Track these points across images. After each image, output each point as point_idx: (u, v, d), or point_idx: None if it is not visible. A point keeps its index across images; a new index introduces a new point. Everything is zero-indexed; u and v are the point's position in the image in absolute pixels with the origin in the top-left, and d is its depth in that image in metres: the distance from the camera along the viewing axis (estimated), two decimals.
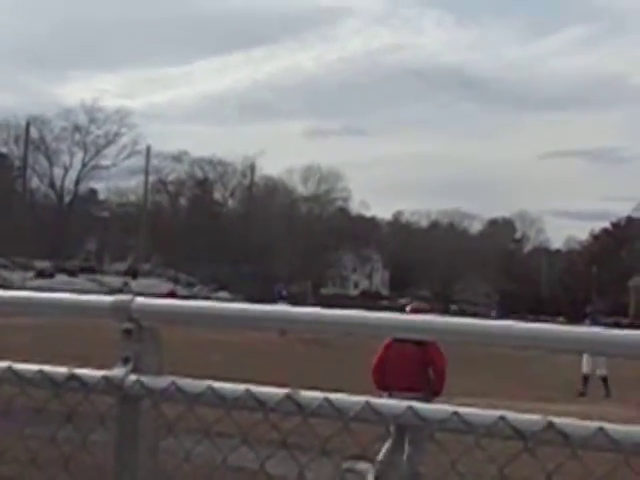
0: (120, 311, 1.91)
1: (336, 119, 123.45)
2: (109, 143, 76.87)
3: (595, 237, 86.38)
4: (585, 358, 17.56)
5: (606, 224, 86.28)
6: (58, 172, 77.35)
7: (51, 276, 64.76)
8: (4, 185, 74.63)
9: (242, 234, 74.66)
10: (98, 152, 77.24)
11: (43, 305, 2.19)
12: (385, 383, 8.45)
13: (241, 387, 1.77)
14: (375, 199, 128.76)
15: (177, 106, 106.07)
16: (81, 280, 64.79)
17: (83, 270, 70.63)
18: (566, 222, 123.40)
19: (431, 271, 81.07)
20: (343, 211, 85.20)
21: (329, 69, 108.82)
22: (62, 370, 1.94)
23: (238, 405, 1.76)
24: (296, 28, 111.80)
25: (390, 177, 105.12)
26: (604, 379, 18.15)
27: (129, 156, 77.06)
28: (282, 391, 1.73)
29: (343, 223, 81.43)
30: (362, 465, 8.14)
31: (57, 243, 71.52)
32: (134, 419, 1.86)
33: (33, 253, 68.26)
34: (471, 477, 4.09)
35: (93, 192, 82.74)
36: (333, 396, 1.70)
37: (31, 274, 64.59)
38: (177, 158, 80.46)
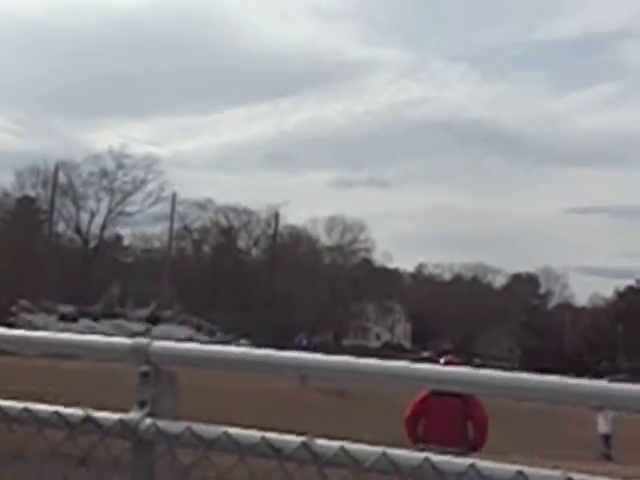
0: (138, 353, 1.91)
1: (361, 171, 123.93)
2: (136, 189, 77.44)
3: (620, 294, 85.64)
4: (600, 417, 17.33)
5: (629, 281, 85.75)
6: (84, 217, 78.03)
7: (74, 320, 64.91)
8: (31, 228, 75.34)
9: (265, 283, 74.67)
10: (125, 198, 77.84)
11: (65, 345, 2.18)
12: (420, 436, 8.33)
13: (257, 434, 1.75)
14: (398, 251, 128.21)
15: (204, 154, 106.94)
16: (104, 325, 64.91)
17: (106, 315, 70.72)
18: (589, 278, 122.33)
19: (453, 324, 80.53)
20: (366, 262, 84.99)
21: (355, 121, 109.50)
22: (78, 412, 1.93)
23: (253, 452, 1.74)
24: (323, 80, 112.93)
25: (413, 229, 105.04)
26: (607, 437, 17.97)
27: (155, 202, 77.59)
28: (298, 439, 1.71)
29: (366, 274, 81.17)
30: None
31: (81, 287, 71.87)
32: (149, 464, 1.84)
33: (57, 297, 68.57)
34: None
35: (118, 238, 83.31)
36: (349, 445, 1.68)
37: (54, 318, 64.81)
38: (202, 206, 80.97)
